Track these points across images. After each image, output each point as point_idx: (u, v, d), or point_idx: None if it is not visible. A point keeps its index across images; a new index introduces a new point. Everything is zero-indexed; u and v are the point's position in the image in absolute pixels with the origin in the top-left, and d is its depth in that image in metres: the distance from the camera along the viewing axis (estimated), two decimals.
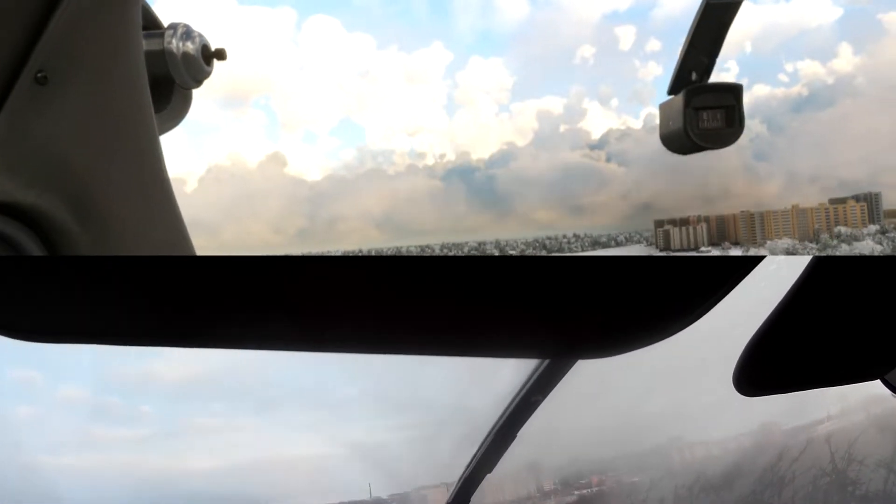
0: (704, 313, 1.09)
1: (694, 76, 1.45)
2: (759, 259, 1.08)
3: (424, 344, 1.01)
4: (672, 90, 1.48)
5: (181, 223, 1.18)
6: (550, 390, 1.22)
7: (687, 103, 1.43)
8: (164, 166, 1.17)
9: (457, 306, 0.97)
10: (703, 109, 1.43)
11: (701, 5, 1.40)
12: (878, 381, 1.37)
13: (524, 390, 1.29)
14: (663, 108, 1.49)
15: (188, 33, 1.24)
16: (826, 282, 1.13)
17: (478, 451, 1.14)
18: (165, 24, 1.28)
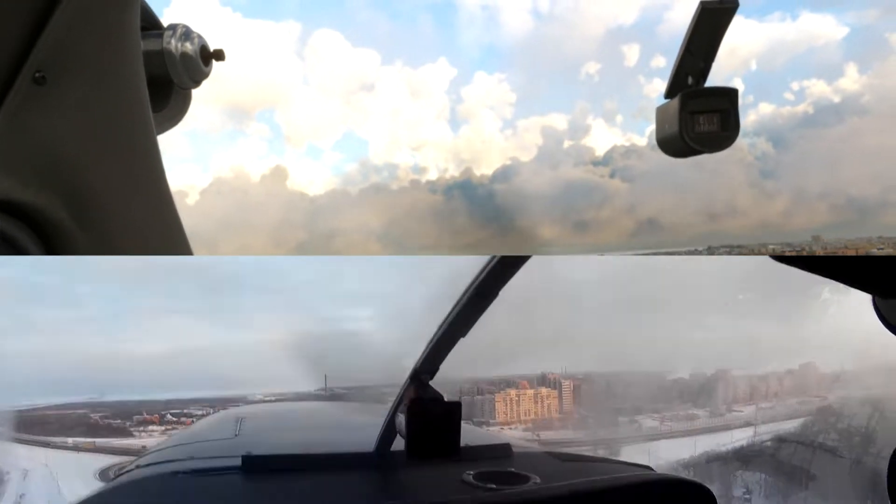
0: None
1: (690, 80, 1.46)
2: None
3: None
4: (669, 94, 1.49)
5: (178, 222, 1.18)
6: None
7: (683, 107, 1.44)
8: (162, 165, 1.17)
9: None
10: (699, 113, 1.44)
11: (697, 10, 1.42)
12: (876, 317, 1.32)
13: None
14: (660, 111, 1.50)
15: (187, 34, 1.25)
16: None
17: (448, 316, 1.12)
18: (166, 25, 1.29)
